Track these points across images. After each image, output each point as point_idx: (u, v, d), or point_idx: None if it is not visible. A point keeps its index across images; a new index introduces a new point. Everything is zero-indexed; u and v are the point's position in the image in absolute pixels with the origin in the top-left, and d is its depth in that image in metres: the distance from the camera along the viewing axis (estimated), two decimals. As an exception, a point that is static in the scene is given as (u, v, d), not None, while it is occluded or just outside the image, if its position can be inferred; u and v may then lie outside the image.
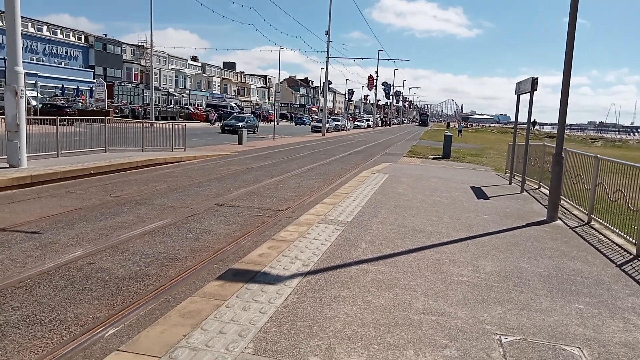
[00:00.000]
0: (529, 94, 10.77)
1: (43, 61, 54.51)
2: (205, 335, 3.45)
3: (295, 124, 48.90)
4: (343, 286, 4.58)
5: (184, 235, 6.78)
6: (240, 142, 23.89)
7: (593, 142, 59.59)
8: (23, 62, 10.98)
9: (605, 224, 7.75)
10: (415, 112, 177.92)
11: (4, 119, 10.94)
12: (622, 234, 7.12)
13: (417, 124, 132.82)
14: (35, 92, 34.82)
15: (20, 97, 10.70)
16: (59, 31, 58.30)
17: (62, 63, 57.33)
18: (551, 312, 4.27)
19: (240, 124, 34.10)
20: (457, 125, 75.88)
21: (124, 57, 67.67)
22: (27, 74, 11.34)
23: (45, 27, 56.31)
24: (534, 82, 10.41)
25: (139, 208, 8.34)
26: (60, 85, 51.78)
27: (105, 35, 66.40)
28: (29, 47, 52.21)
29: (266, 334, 3.51)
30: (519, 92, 11.99)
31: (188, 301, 4.09)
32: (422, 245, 6.22)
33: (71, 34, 60.23)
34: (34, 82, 38.62)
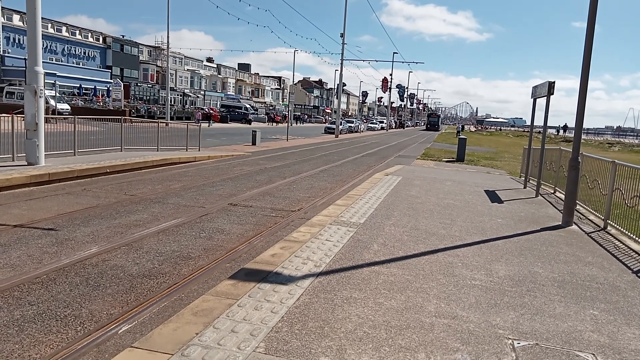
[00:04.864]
0: (546, 97, 10.66)
1: (62, 61, 55.45)
2: (217, 333, 3.48)
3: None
4: (355, 288, 4.58)
5: (197, 234, 6.84)
6: (254, 143, 24.03)
7: (610, 146, 58.58)
8: (43, 62, 11.18)
9: (622, 229, 7.63)
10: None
11: (23, 117, 11.15)
12: (639, 239, 7.01)
13: (425, 127, 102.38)
14: (54, 92, 35.33)
15: (40, 97, 10.89)
16: (77, 32, 59.23)
17: (81, 63, 58.24)
18: (565, 318, 4.22)
19: None
20: (459, 127, 75.40)
21: (140, 58, 68.46)
22: (46, 74, 11.53)
23: (64, 28, 57.27)
24: (551, 86, 10.31)
25: (153, 207, 8.43)
26: (78, 85, 52.61)
27: (123, 36, 67.36)
28: (49, 48, 53.16)
29: (278, 334, 3.53)
30: (535, 96, 11.86)
31: (201, 299, 4.12)
32: (435, 248, 6.19)
33: (89, 34, 61.14)
34: (52, 81, 39.25)
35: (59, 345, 3.61)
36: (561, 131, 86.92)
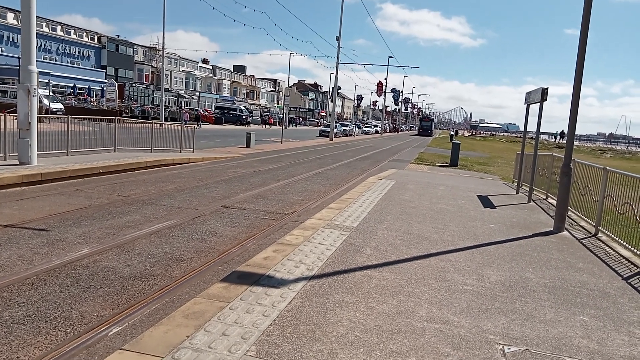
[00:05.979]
0: (539, 104, 10.75)
1: (56, 60, 55.17)
2: (208, 336, 3.47)
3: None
4: (347, 292, 4.58)
5: (189, 237, 6.82)
6: (248, 145, 23.99)
7: (602, 153, 59.03)
8: (37, 61, 11.11)
9: (613, 236, 7.69)
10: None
11: (15, 116, 11.07)
12: (630, 246, 7.06)
13: (417, 132, 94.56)
14: (48, 91, 35.12)
15: (33, 96, 10.82)
16: (72, 31, 58.97)
17: (75, 63, 58.01)
18: (555, 324, 4.24)
19: None
20: (452, 132, 75.82)
21: (135, 58, 68.26)
22: (40, 73, 11.46)
23: (59, 27, 57.01)
24: (544, 92, 10.39)
25: (146, 208, 8.40)
26: (72, 85, 52.34)
27: (118, 36, 67.17)
28: (43, 47, 52.92)
29: (269, 337, 3.52)
30: (528, 102, 11.95)
31: (192, 302, 4.11)
32: (427, 253, 6.20)
33: (84, 34, 60.89)
34: (46, 80, 38.98)
35: (48, 347, 3.59)
36: (558, 138, 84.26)
